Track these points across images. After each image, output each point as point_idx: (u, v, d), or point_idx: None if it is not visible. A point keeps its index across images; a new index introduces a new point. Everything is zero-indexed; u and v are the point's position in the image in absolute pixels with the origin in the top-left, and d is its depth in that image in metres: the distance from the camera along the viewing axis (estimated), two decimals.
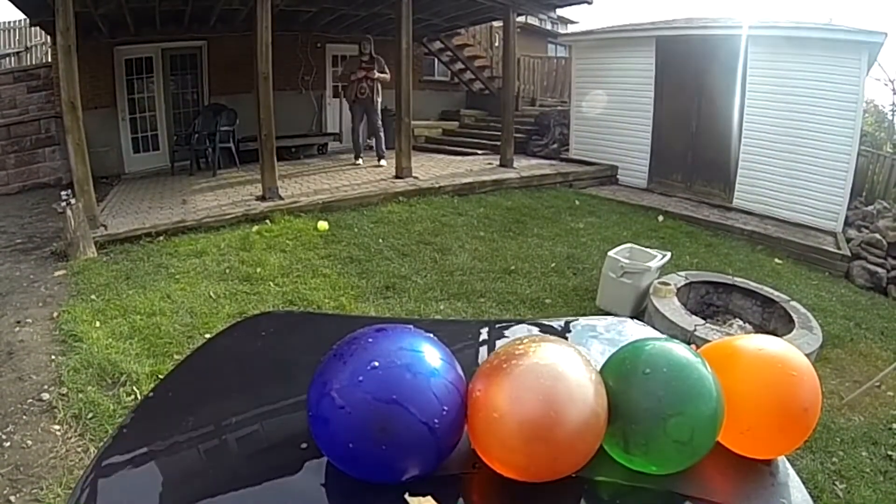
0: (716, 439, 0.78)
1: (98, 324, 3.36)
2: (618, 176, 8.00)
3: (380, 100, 7.59)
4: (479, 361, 0.83)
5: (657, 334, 1.18)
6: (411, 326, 0.81)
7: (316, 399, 0.73)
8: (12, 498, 2.08)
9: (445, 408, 0.71)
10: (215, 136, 7.58)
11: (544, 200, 6.70)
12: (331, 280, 4.14)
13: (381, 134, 7.71)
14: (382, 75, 7.39)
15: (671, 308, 3.46)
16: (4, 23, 9.80)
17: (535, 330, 1.36)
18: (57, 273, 4.24)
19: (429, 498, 0.72)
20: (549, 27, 15.09)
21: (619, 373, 0.80)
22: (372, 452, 0.70)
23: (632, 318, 1.38)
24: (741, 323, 3.76)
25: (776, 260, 5.36)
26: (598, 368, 0.83)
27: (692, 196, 7.15)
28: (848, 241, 5.72)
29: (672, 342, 0.84)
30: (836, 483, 2.42)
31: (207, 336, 2.96)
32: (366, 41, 7.39)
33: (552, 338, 0.82)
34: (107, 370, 2.84)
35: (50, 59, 7.84)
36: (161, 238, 4.90)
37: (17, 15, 7.37)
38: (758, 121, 6.49)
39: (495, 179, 7.11)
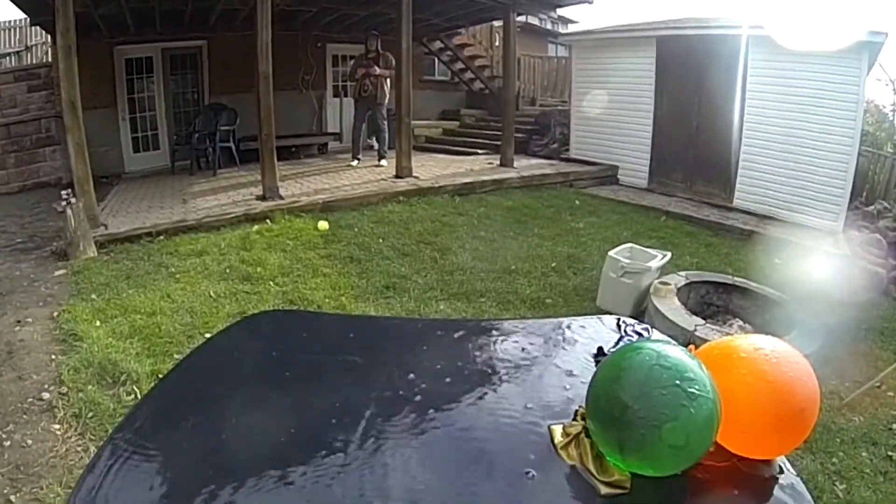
0: (712, 441, 0.78)
1: (98, 323, 3.36)
2: (618, 176, 7.99)
3: (387, 98, 7.54)
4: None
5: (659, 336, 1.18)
6: None
7: None
8: (12, 497, 2.08)
9: None
10: (215, 135, 7.58)
11: (545, 200, 6.69)
12: (331, 280, 4.14)
13: (385, 134, 7.68)
14: (384, 71, 7.32)
15: (671, 308, 3.45)
16: (5, 22, 9.80)
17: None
18: (57, 272, 4.24)
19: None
20: (549, 27, 15.09)
21: (613, 377, 0.80)
22: None
23: (632, 317, 1.38)
24: (741, 323, 3.76)
25: (776, 260, 5.35)
26: (592, 372, 0.83)
27: (692, 196, 7.14)
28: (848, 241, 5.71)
29: (667, 345, 0.84)
30: (837, 484, 2.42)
31: (207, 335, 2.96)
32: (372, 38, 7.34)
33: None
34: (107, 369, 2.84)
35: (50, 59, 7.84)
36: (161, 237, 4.90)
37: (17, 14, 7.39)
38: (758, 121, 6.48)
39: (496, 179, 7.11)
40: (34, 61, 9.16)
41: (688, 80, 7.08)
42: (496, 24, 10.00)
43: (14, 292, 3.90)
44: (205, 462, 0.90)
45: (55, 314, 3.51)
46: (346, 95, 9.46)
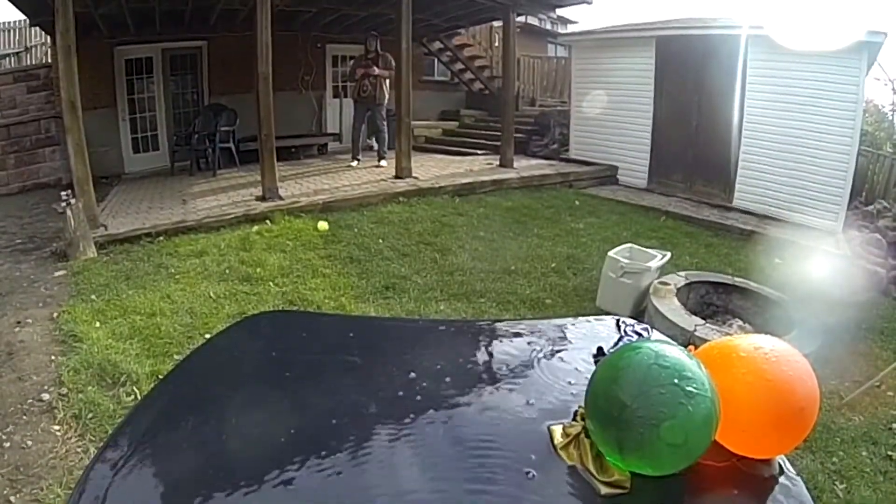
0: (711, 440, 0.78)
1: (98, 324, 3.36)
2: (618, 176, 7.99)
3: (386, 99, 7.54)
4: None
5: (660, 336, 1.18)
6: None
7: None
8: (12, 498, 2.08)
9: None
10: (215, 136, 7.58)
11: (544, 200, 6.69)
12: (331, 280, 4.14)
13: (384, 135, 7.68)
14: (383, 71, 7.33)
15: (671, 308, 3.45)
16: (4, 23, 9.81)
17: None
18: (57, 273, 4.24)
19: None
20: (548, 27, 15.10)
21: (612, 376, 0.80)
22: None
23: (632, 318, 1.38)
24: (741, 323, 3.76)
25: (776, 260, 5.35)
26: (591, 372, 0.83)
27: (692, 196, 7.14)
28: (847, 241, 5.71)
29: (666, 344, 0.84)
30: (837, 483, 2.42)
31: (207, 336, 2.96)
32: (371, 38, 7.35)
33: None
34: (107, 370, 2.84)
35: (50, 60, 7.85)
36: (161, 238, 4.90)
37: (17, 15, 7.38)
38: (758, 121, 6.49)
39: (495, 179, 7.11)
40: (34, 62, 9.16)
41: (687, 80, 7.08)
42: (496, 24, 10.01)
43: (14, 293, 3.90)
44: (205, 463, 0.90)
45: (55, 315, 3.51)
46: (345, 96, 9.46)
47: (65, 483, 2.13)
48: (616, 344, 1.20)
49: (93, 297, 3.76)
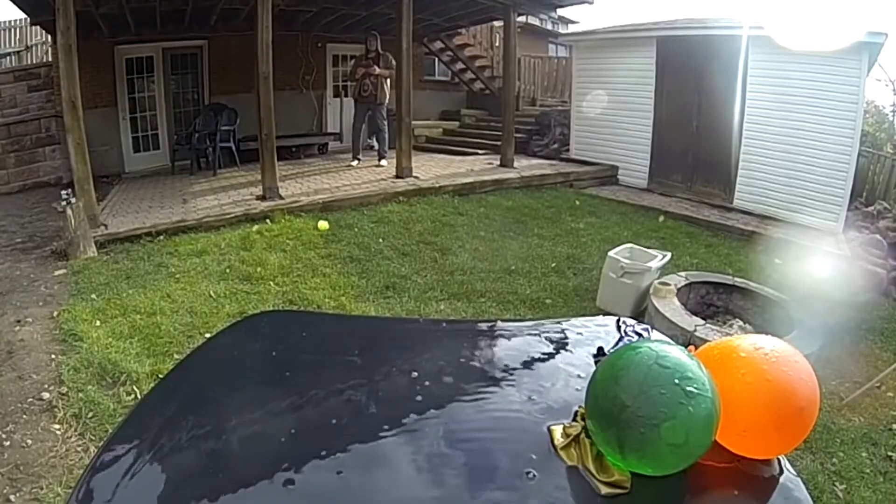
0: (712, 440, 0.78)
1: (98, 323, 3.36)
2: (618, 176, 7.99)
3: (387, 98, 7.54)
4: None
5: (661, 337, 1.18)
6: None
7: None
8: (12, 497, 2.08)
9: None
10: (216, 135, 7.58)
11: (545, 200, 6.69)
12: (331, 280, 4.14)
13: (385, 134, 7.68)
14: (383, 71, 7.33)
15: (671, 308, 3.45)
16: (5, 22, 9.81)
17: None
18: (57, 272, 4.24)
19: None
20: (549, 27, 15.10)
21: (613, 377, 0.80)
22: None
23: (632, 318, 1.38)
24: (741, 323, 3.76)
25: (776, 260, 5.35)
26: (592, 372, 0.83)
27: (692, 196, 7.14)
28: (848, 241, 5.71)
29: (666, 345, 0.84)
30: (837, 484, 2.42)
31: (207, 335, 2.96)
32: (371, 38, 7.35)
33: None
34: (107, 369, 2.84)
35: (50, 59, 7.85)
36: (161, 237, 4.90)
37: (17, 14, 7.40)
38: (758, 121, 6.48)
39: (496, 179, 7.11)
40: (34, 61, 9.16)
41: (688, 80, 7.08)
42: (496, 24, 10.00)
43: (14, 292, 3.90)
44: (205, 462, 0.90)
45: (55, 314, 3.51)
46: (346, 95, 9.46)
47: (65, 482, 2.13)
48: (616, 344, 1.20)
49: (93, 296, 3.76)
